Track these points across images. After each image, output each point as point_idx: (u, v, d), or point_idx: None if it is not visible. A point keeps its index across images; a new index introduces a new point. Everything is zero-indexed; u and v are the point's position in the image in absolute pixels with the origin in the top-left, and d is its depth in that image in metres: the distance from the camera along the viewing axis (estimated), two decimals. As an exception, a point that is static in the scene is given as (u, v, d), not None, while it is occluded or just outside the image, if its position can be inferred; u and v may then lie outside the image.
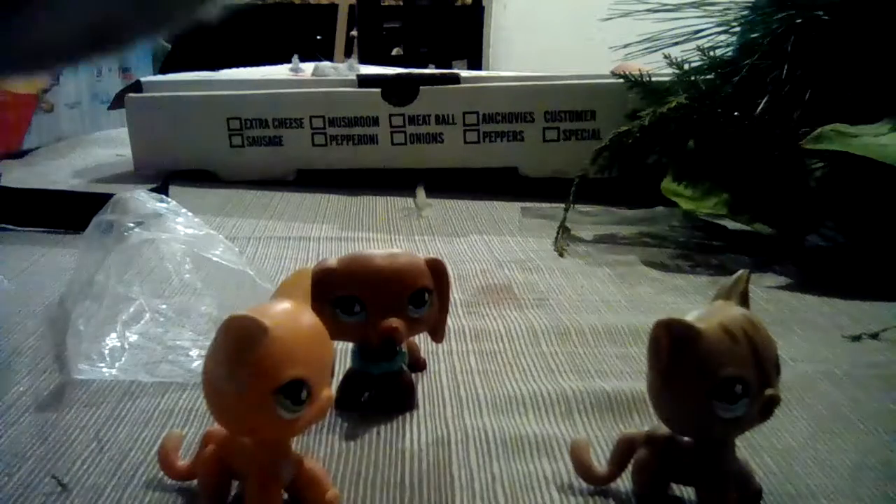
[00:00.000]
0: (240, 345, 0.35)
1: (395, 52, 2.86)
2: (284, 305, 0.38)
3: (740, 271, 0.41)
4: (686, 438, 0.40)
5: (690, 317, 0.38)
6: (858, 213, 0.80)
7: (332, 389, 0.39)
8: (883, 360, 0.60)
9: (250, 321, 0.35)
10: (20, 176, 1.20)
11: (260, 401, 0.36)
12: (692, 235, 0.92)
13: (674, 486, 0.42)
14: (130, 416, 0.51)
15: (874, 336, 0.63)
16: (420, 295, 0.49)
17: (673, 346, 0.37)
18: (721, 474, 0.39)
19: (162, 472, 0.43)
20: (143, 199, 0.65)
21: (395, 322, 0.48)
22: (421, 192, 1.11)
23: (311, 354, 0.37)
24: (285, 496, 0.40)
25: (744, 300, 0.40)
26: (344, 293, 0.48)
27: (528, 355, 0.60)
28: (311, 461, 0.41)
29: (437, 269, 0.50)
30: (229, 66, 1.41)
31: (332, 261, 0.49)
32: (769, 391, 0.37)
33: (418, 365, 0.57)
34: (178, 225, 0.62)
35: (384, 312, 0.48)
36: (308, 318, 0.38)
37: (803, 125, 0.80)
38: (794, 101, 0.82)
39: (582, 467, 0.43)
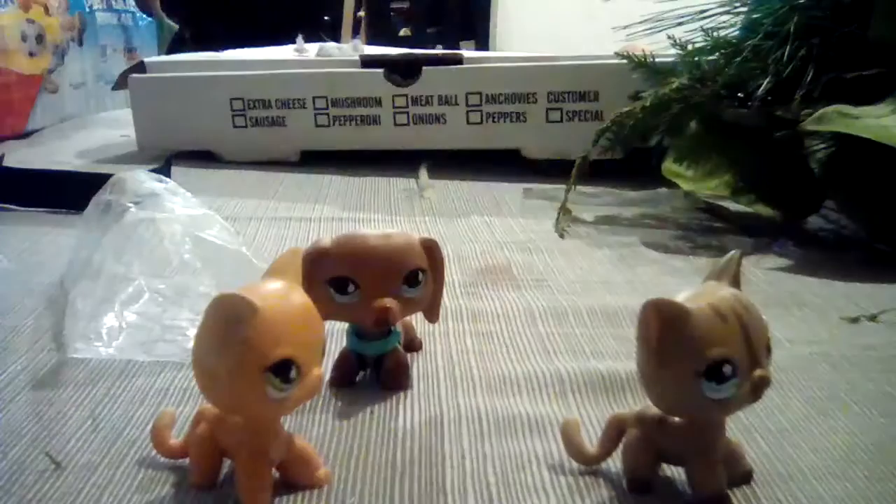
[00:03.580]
0: (229, 324, 0.36)
1: (402, 32, 2.85)
2: (275, 285, 0.38)
3: (732, 252, 0.41)
4: (676, 419, 0.40)
5: (680, 297, 0.38)
6: (860, 195, 0.80)
7: (324, 369, 0.39)
8: (880, 342, 0.59)
9: (239, 300, 0.35)
10: (24, 156, 1.20)
11: (249, 380, 0.36)
12: (693, 217, 0.92)
13: (665, 466, 0.42)
14: (126, 394, 0.51)
15: (872, 318, 0.63)
16: (414, 275, 0.49)
17: (662, 327, 0.37)
18: (710, 455, 0.39)
19: (155, 451, 0.44)
20: (141, 178, 0.65)
21: (388, 302, 0.48)
22: (423, 174, 1.11)
23: (301, 334, 0.37)
24: (276, 475, 0.40)
25: (735, 281, 0.40)
26: (338, 273, 0.48)
27: (524, 336, 0.60)
28: (302, 440, 0.41)
29: (431, 250, 0.50)
30: (237, 47, 1.41)
31: (327, 241, 0.49)
32: (759, 372, 0.37)
33: (413, 345, 0.57)
34: (176, 205, 0.62)
35: (378, 292, 0.48)
36: (298, 297, 0.38)
37: (806, 106, 0.79)
38: (797, 81, 0.82)
39: (572, 447, 0.43)
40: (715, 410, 0.38)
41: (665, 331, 0.37)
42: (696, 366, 0.37)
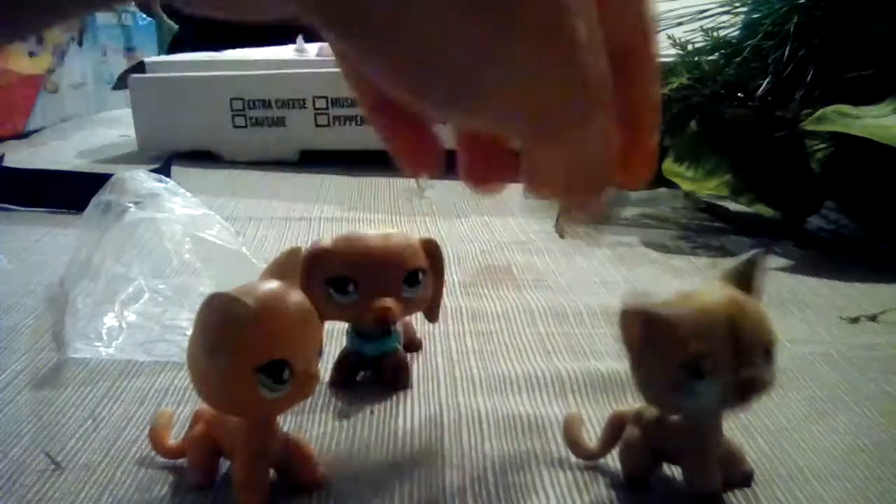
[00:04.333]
0: (221, 324, 0.36)
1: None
2: (270, 285, 0.38)
3: (750, 253, 0.39)
4: (673, 417, 0.40)
5: (668, 295, 0.37)
6: (860, 195, 0.80)
7: (321, 369, 0.39)
8: (880, 342, 0.59)
9: (231, 300, 0.35)
10: (24, 157, 1.20)
11: (240, 380, 0.36)
12: (693, 217, 0.92)
13: (666, 465, 0.42)
14: (126, 394, 0.51)
15: (872, 318, 0.63)
16: (414, 275, 0.49)
17: (642, 324, 0.37)
18: (706, 454, 0.39)
19: (153, 451, 0.44)
20: (141, 178, 0.65)
21: (388, 302, 0.47)
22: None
23: (295, 334, 0.37)
24: (273, 475, 0.40)
25: (745, 284, 0.39)
26: (337, 273, 0.48)
27: (524, 336, 0.60)
28: (300, 440, 0.41)
29: (431, 250, 0.50)
30: (237, 47, 1.41)
31: (326, 241, 0.49)
32: (747, 371, 0.36)
33: (413, 345, 0.57)
34: (176, 205, 0.62)
35: (377, 292, 0.48)
36: (294, 297, 0.38)
37: (806, 106, 0.79)
38: (797, 81, 0.82)
39: (573, 441, 0.43)
40: (696, 408, 0.37)
41: (645, 328, 0.37)
42: (675, 362, 0.36)
